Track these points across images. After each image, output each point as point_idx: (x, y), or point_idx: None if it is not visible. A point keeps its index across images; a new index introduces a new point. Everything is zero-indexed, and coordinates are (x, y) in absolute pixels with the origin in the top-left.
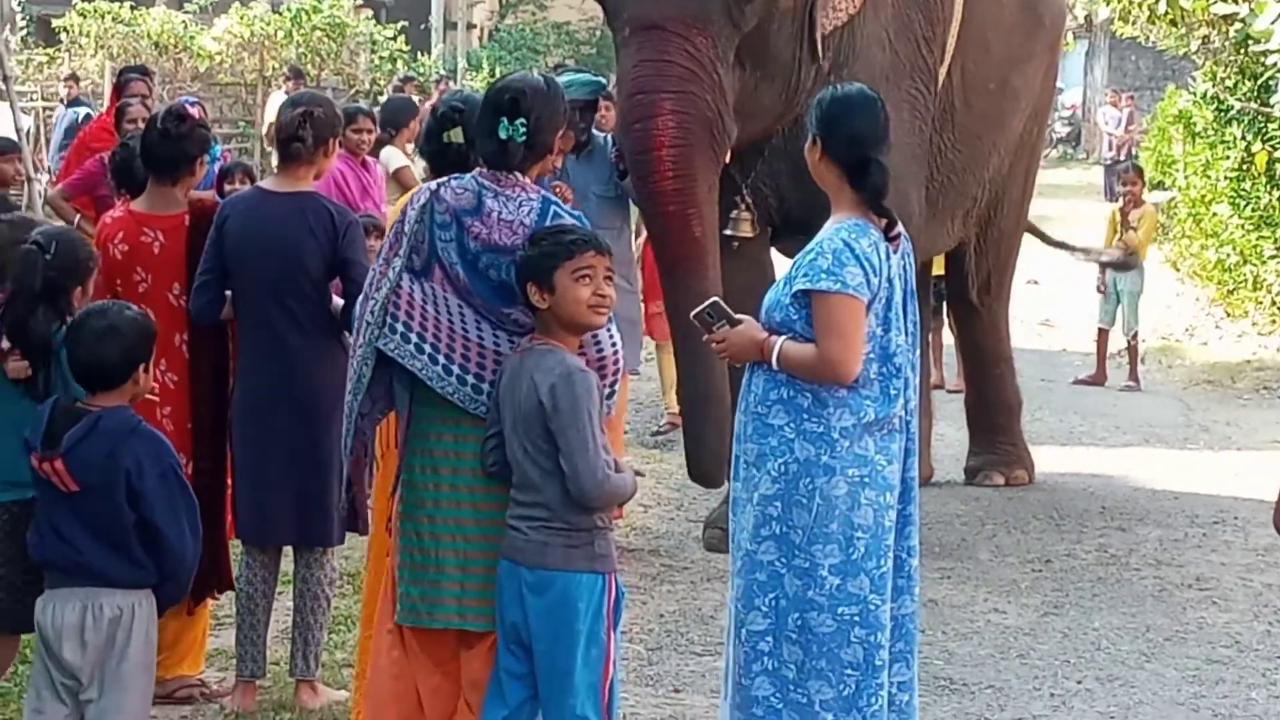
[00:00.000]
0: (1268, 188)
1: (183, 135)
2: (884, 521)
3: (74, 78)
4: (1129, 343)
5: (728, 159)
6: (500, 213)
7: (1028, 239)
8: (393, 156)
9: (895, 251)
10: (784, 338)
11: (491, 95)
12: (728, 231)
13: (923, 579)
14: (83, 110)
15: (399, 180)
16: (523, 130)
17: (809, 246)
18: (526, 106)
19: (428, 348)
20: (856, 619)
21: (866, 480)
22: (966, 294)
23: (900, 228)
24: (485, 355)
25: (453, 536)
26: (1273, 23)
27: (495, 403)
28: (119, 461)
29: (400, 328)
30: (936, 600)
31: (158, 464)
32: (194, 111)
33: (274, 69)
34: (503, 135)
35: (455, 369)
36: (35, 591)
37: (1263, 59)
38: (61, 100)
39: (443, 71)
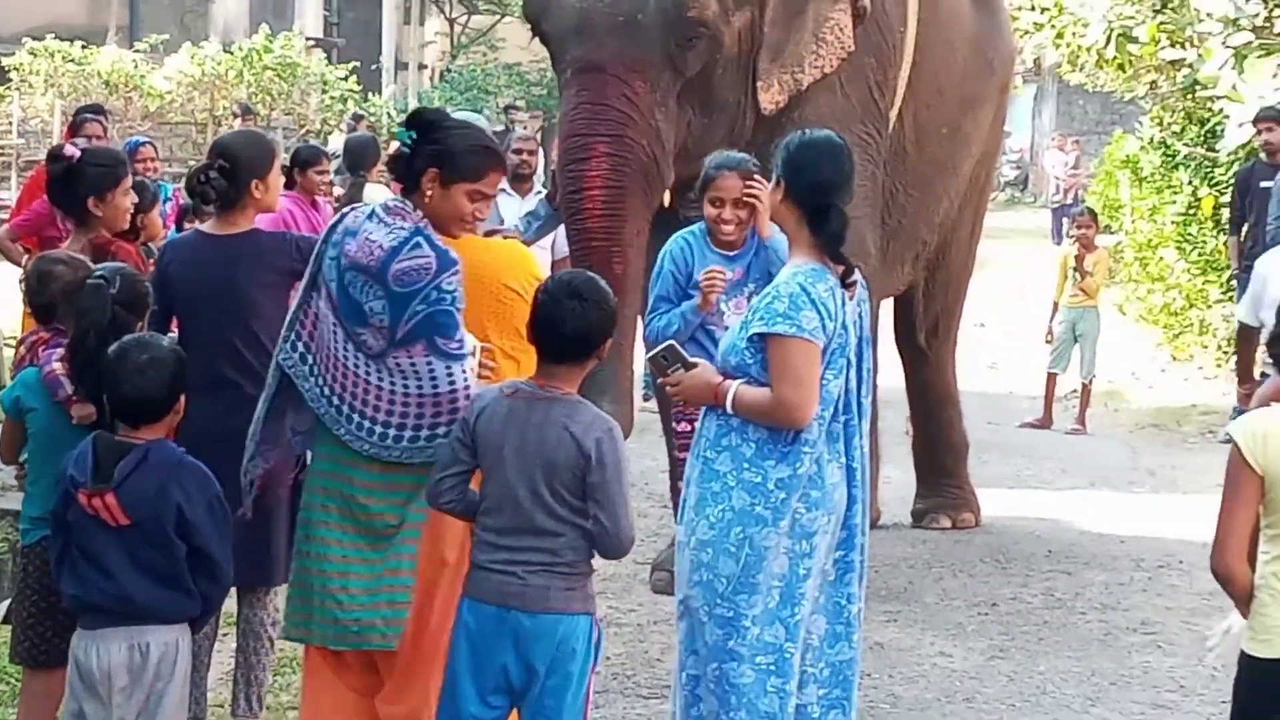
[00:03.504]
0: (1214, 232)
1: (64, 176)
2: (799, 570)
3: None
4: (1084, 385)
5: (668, 202)
6: (372, 234)
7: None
8: (378, 192)
9: (851, 299)
10: (739, 381)
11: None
12: None
13: (869, 622)
14: None
15: None
16: (407, 144)
17: (766, 290)
18: (421, 123)
19: (316, 371)
20: (773, 668)
21: (788, 530)
22: (915, 337)
23: (857, 275)
24: (355, 382)
25: (345, 559)
26: (1219, 68)
27: (466, 442)
28: (170, 494)
29: (301, 346)
30: (883, 643)
31: (204, 494)
32: (70, 152)
33: (224, 108)
34: (397, 139)
35: (334, 397)
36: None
37: (1209, 104)
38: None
39: (393, 111)
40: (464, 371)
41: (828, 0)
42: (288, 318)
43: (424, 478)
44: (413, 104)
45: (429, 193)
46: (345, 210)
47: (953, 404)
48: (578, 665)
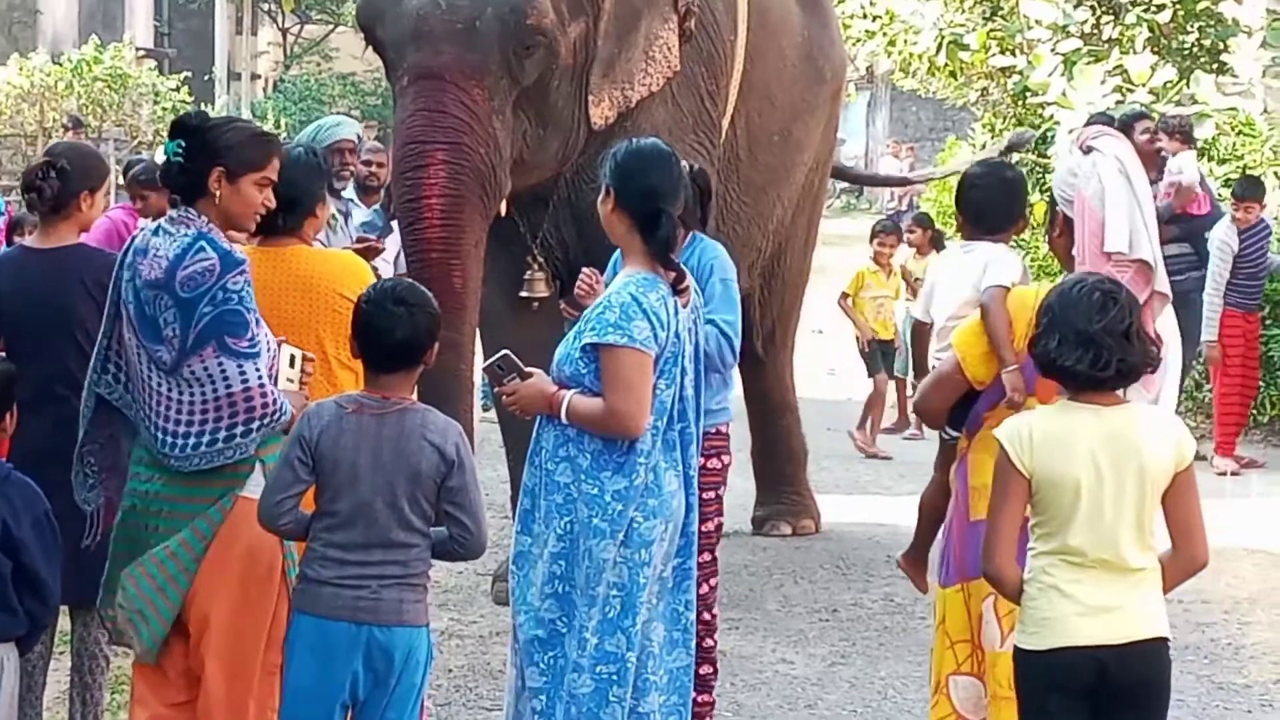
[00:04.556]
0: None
1: None
2: (639, 578)
3: None
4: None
5: (505, 212)
6: (159, 248)
7: None
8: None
9: (685, 306)
10: (573, 391)
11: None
12: (524, 294)
13: None
14: None
15: None
16: (178, 153)
17: (597, 300)
18: (187, 129)
19: (130, 395)
20: (615, 678)
21: (625, 540)
22: (751, 345)
23: (689, 281)
24: (157, 400)
25: (157, 568)
26: (1049, 75)
27: (306, 461)
28: None
29: (120, 374)
30: (725, 651)
31: (32, 511)
32: None
33: (54, 120)
34: (164, 153)
35: (143, 417)
36: None
37: (1040, 110)
38: None
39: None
40: (256, 370)
41: (658, 19)
42: (96, 348)
43: (225, 490)
44: (245, 114)
45: (217, 192)
46: (136, 232)
47: (791, 411)
48: (420, 675)
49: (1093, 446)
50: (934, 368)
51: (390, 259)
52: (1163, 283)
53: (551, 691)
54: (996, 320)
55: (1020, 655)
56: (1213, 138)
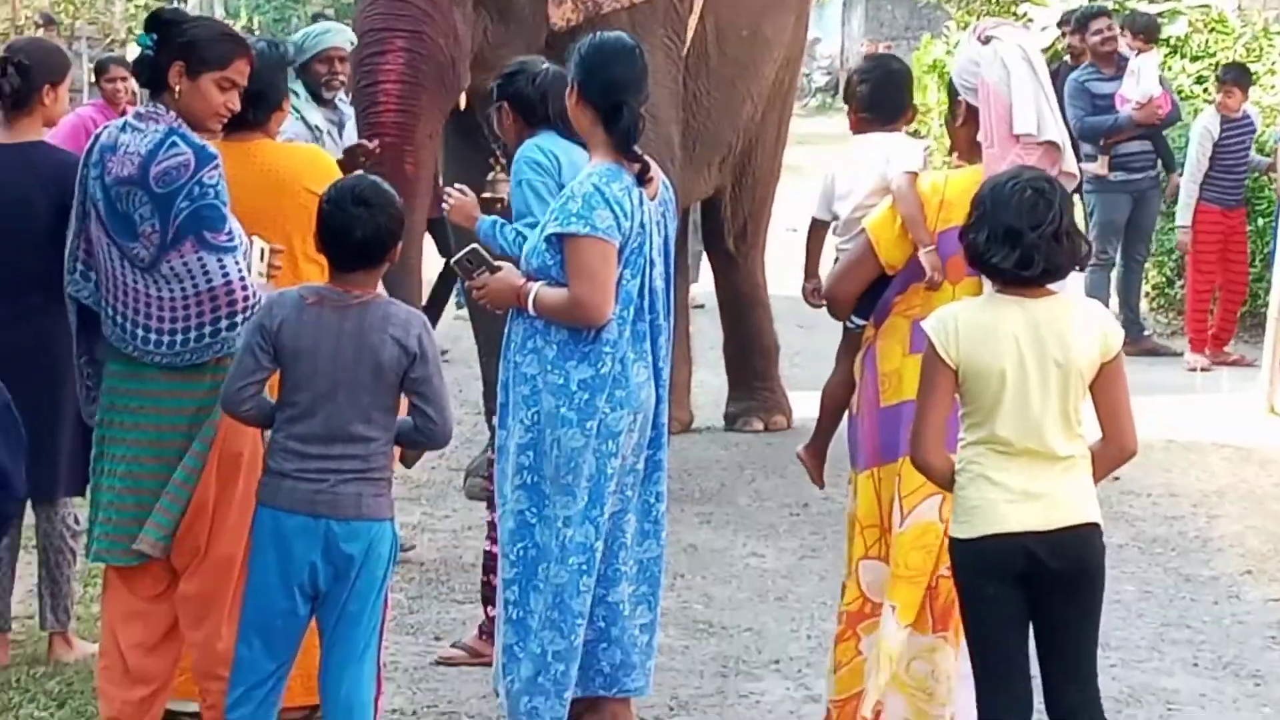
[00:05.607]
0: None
1: None
2: (606, 469)
3: None
4: None
5: (464, 105)
6: (129, 145)
7: None
8: None
9: (652, 198)
10: (540, 283)
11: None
12: (486, 194)
13: (682, 524)
14: None
15: None
16: (149, 46)
17: (563, 191)
18: (160, 23)
19: (100, 294)
20: (585, 568)
21: (594, 430)
22: (723, 242)
23: (655, 172)
24: (135, 298)
25: (135, 476)
26: None
27: (267, 349)
28: None
29: (89, 273)
30: (696, 545)
31: None
32: None
33: (26, 19)
34: (138, 45)
35: (117, 315)
36: None
37: (1014, 8)
38: None
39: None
40: (236, 263)
41: None
42: (67, 248)
43: (214, 384)
44: (219, 13)
45: (177, 88)
46: (100, 129)
47: (763, 308)
48: (382, 569)
49: (1018, 338)
50: (838, 260)
51: None
52: (1070, 163)
53: (524, 581)
54: (910, 203)
55: (954, 545)
56: (1185, 35)
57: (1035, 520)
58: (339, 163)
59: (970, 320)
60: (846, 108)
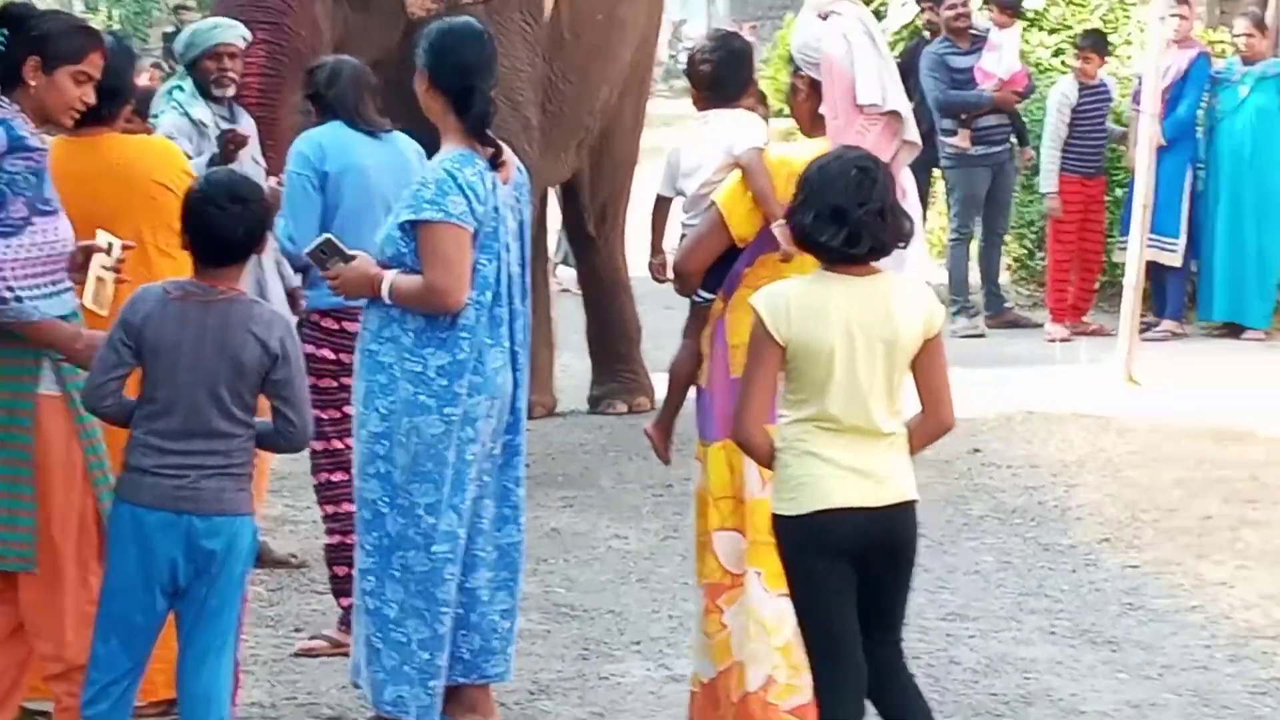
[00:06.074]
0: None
1: None
2: (466, 455)
3: None
4: None
5: None
6: None
7: None
8: None
9: (506, 183)
10: (395, 271)
11: None
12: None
13: (545, 508)
14: None
15: None
16: (1, 40)
17: (414, 179)
18: (11, 18)
19: None
20: (449, 556)
21: (455, 417)
22: (584, 225)
23: (508, 156)
24: None
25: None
26: None
27: (130, 343)
28: None
29: None
30: (559, 529)
31: None
32: None
33: None
34: None
35: None
36: None
37: None
38: None
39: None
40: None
41: None
42: None
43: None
44: (79, 7)
45: (32, 83)
46: None
47: (625, 290)
48: (242, 565)
49: (847, 315)
50: (684, 235)
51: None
52: (913, 132)
53: (380, 571)
54: (761, 177)
55: (780, 522)
56: (1044, 7)
57: (865, 497)
58: (220, 153)
59: (801, 299)
60: (691, 85)
